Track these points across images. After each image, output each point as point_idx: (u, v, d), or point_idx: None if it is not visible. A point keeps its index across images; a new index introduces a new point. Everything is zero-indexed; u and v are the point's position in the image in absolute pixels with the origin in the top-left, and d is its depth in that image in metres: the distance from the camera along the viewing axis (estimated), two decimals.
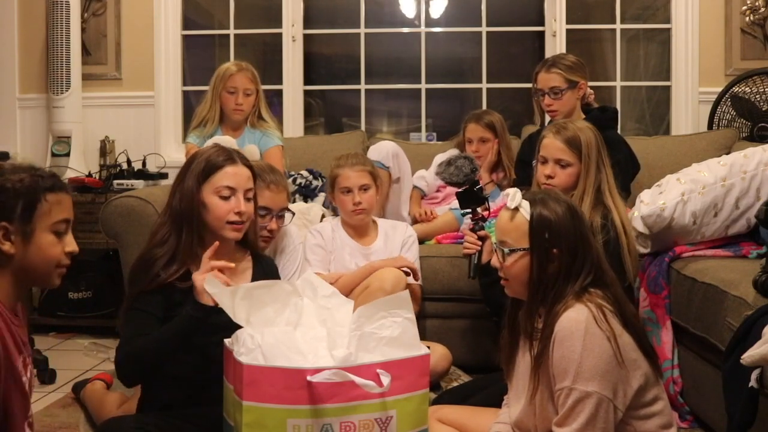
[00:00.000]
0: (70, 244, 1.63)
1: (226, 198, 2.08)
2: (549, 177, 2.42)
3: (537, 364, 1.84)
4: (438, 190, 3.47)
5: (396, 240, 2.92)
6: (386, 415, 1.80)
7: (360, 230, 2.91)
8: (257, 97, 3.35)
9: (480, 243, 2.42)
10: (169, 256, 2.07)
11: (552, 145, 2.43)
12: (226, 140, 2.94)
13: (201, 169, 2.09)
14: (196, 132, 3.35)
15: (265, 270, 2.24)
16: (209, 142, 2.88)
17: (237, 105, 3.28)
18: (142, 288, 2.04)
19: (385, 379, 1.77)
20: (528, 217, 1.86)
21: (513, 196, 1.89)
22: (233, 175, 2.09)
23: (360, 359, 1.81)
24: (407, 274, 2.78)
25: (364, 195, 2.83)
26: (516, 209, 1.88)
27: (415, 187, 3.42)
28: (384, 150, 3.23)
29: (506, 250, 1.88)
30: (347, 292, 2.66)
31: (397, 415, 1.82)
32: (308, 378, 1.74)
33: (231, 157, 2.12)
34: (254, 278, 2.18)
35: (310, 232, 2.91)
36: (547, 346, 1.79)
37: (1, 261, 1.55)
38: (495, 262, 1.94)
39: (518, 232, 1.87)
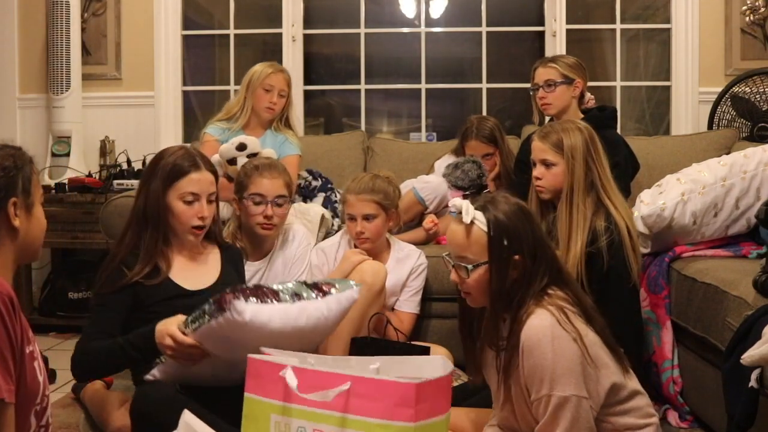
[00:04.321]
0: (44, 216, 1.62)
1: (189, 203, 2.19)
2: (537, 178, 2.44)
3: (506, 375, 1.82)
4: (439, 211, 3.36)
5: (405, 266, 2.86)
6: None
7: (370, 252, 2.80)
8: (287, 102, 3.36)
9: None
10: (134, 256, 2.17)
11: (537, 147, 2.45)
12: (251, 141, 2.96)
13: (167, 173, 2.19)
14: (219, 123, 3.31)
15: (233, 257, 2.39)
16: (234, 140, 2.95)
17: (271, 103, 3.27)
18: (108, 287, 2.14)
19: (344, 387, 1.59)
20: (485, 228, 1.81)
21: (466, 209, 1.83)
22: (197, 181, 2.20)
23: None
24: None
25: (368, 225, 2.74)
26: (471, 223, 1.82)
27: (416, 194, 3.31)
28: (434, 191, 3.20)
29: (469, 267, 1.83)
30: None
31: None
32: (279, 373, 1.65)
33: (195, 162, 2.22)
34: (223, 265, 2.33)
35: (314, 250, 2.89)
36: (515, 356, 1.77)
37: (9, 238, 1.51)
38: (454, 277, 1.88)
39: (478, 246, 1.83)
